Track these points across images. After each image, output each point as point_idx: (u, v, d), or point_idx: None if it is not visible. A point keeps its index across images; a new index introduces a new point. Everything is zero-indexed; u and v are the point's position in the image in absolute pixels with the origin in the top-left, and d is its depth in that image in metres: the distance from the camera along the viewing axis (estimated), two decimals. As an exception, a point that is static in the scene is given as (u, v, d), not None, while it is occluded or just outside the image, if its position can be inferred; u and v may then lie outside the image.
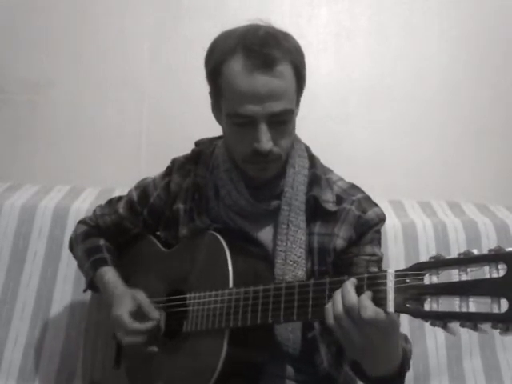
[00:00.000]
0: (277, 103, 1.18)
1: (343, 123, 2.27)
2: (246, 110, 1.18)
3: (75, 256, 1.60)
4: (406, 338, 1.27)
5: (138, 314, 1.33)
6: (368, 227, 1.32)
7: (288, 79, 1.20)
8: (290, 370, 1.35)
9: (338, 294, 1.03)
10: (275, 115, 1.19)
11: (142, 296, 1.36)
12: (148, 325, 1.31)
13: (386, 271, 0.99)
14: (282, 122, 1.22)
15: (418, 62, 2.27)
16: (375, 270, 1.29)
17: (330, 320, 1.03)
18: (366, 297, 0.99)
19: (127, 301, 1.35)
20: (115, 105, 2.26)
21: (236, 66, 1.18)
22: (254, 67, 1.16)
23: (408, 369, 1.20)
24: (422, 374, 1.79)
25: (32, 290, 1.87)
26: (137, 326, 1.31)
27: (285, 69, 1.19)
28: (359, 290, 1.02)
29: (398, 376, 1.13)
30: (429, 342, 1.83)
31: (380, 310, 0.98)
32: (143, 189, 1.51)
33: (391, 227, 1.90)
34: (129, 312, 1.33)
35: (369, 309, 0.98)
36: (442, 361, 1.82)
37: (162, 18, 2.27)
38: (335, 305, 1.02)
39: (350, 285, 1.02)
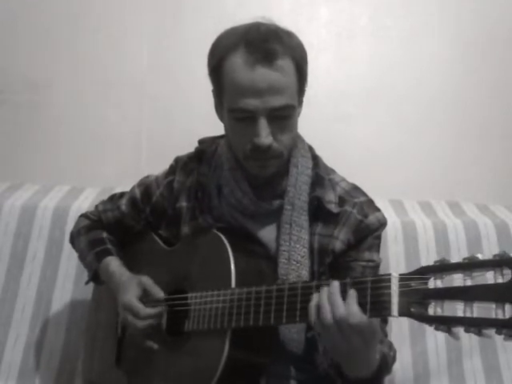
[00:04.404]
0: (277, 97, 1.18)
1: (343, 123, 2.26)
2: (246, 103, 1.18)
3: (76, 249, 1.59)
4: (390, 345, 1.29)
5: (146, 298, 1.33)
6: (368, 232, 1.32)
7: (289, 74, 1.20)
8: (291, 369, 1.35)
9: (325, 304, 1.04)
10: (275, 110, 1.19)
11: (146, 279, 1.36)
12: (160, 308, 1.31)
13: (389, 275, 0.99)
14: (283, 117, 1.21)
15: (418, 62, 2.27)
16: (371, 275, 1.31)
17: (318, 329, 1.06)
18: (353, 301, 1.02)
19: (134, 286, 1.35)
20: (115, 105, 2.26)
21: (237, 61, 1.18)
22: (255, 61, 1.16)
23: (388, 373, 1.25)
24: (422, 375, 1.80)
25: (32, 290, 1.87)
26: (149, 310, 1.30)
27: (286, 63, 1.19)
28: (361, 293, 1.02)
29: (375, 378, 1.15)
30: (429, 343, 1.83)
31: (364, 316, 1.00)
32: (146, 187, 1.51)
33: (391, 227, 1.90)
34: (137, 297, 1.33)
35: (357, 315, 1.00)
36: (442, 361, 1.82)
37: (162, 18, 2.26)
38: (324, 315, 1.03)
39: (337, 294, 1.04)
